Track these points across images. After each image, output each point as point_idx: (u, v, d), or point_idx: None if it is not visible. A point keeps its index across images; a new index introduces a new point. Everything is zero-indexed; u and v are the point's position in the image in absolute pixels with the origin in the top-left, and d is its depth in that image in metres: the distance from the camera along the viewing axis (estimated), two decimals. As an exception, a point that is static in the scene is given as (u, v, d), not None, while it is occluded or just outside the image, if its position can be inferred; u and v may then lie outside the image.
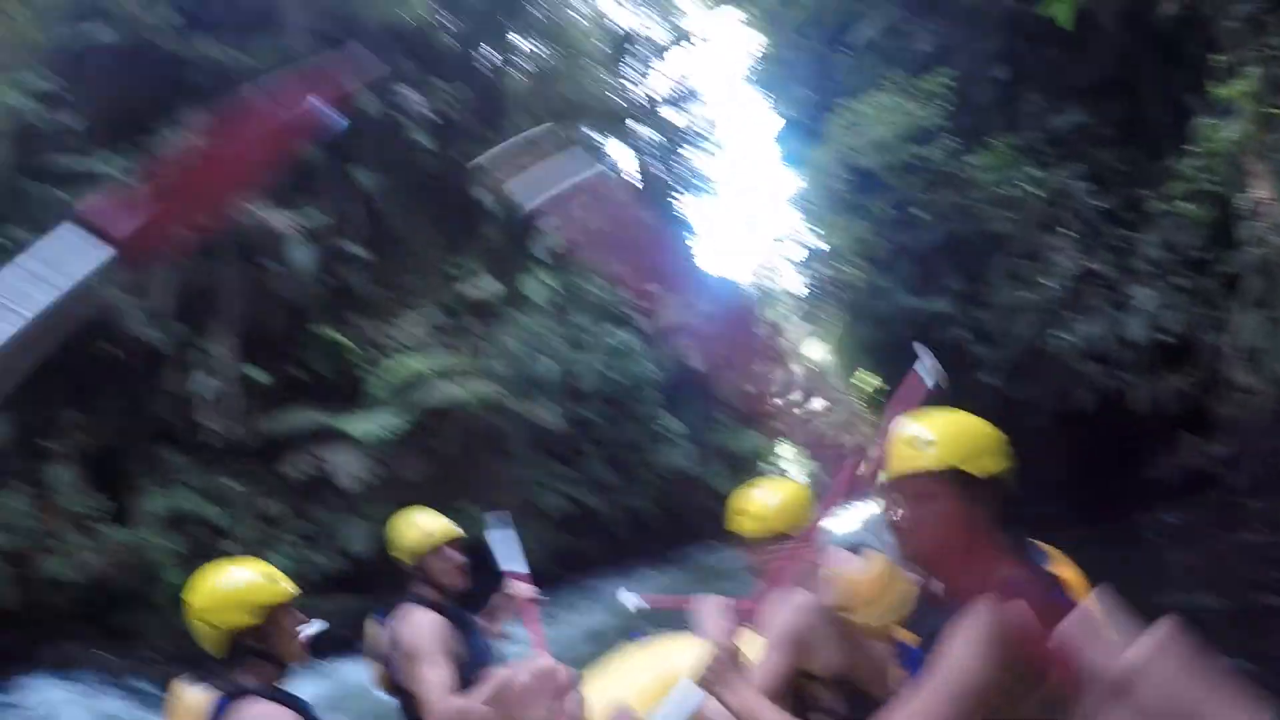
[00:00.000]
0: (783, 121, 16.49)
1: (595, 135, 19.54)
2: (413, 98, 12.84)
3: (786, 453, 25.73)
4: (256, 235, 10.41)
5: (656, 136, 21.40)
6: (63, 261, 0.87)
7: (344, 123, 1.13)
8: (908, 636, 1.68)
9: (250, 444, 10.09)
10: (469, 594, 2.90)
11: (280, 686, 1.95)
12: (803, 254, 16.29)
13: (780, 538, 2.41)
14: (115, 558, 8.78)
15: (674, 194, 23.09)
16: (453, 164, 14.27)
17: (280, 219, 10.26)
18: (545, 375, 13.49)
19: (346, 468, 10.20)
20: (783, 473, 23.79)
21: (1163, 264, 8.83)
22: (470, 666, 2.55)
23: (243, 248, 10.52)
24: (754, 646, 1.94)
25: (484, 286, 14.54)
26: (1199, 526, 8.95)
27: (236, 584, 1.94)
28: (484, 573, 2.98)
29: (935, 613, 1.56)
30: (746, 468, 16.59)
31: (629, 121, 20.39)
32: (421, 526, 2.86)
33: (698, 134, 21.97)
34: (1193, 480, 9.79)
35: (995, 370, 11.06)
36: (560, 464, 13.67)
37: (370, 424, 10.60)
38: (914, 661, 1.59)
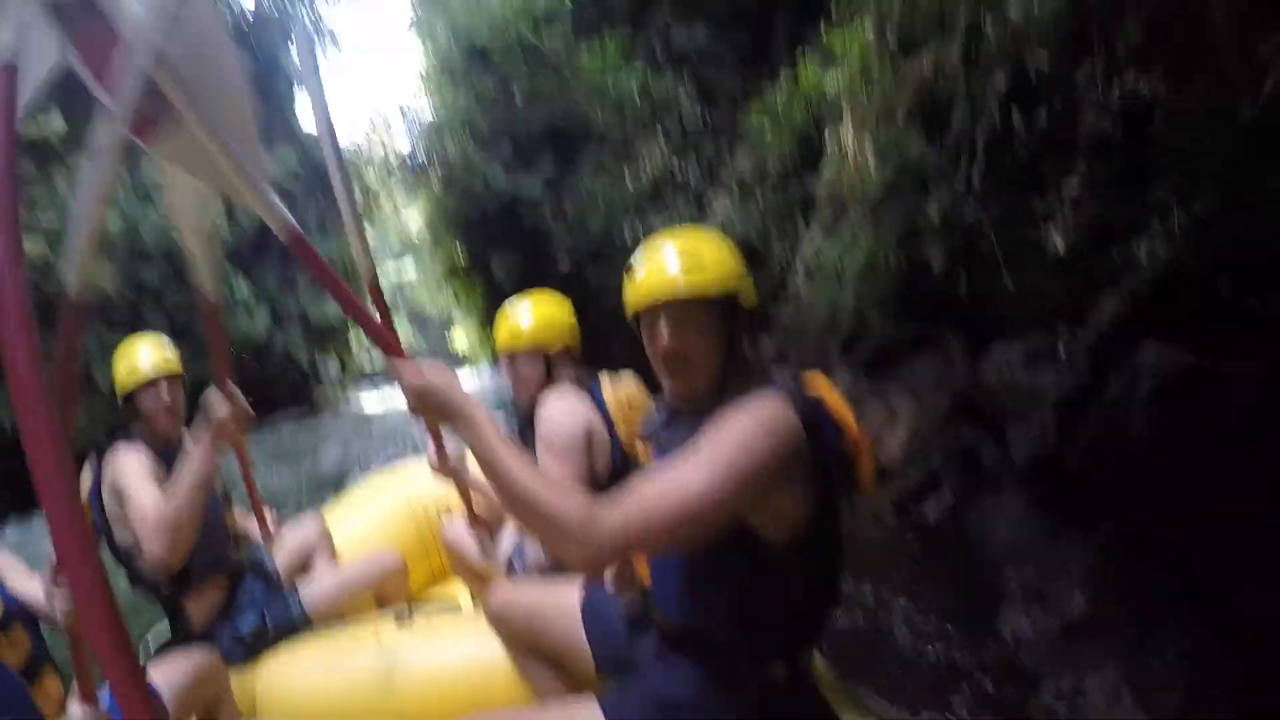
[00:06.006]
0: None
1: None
2: None
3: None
4: None
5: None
6: None
7: None
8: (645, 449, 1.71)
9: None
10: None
11: None
12: (413, 122, 15.72)
13: (537, 351, 2.41)
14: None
15: (283, 41, 20.67)
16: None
17: None
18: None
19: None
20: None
21: (748, 181, 9.64)
22: None
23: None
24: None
25: None
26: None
27: None
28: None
29: (679, 424, 1.53)
30: (329, 336, 15.79)
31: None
32: (130, 359, 2.48)
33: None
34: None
35: (574, 256, 11.70)
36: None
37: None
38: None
